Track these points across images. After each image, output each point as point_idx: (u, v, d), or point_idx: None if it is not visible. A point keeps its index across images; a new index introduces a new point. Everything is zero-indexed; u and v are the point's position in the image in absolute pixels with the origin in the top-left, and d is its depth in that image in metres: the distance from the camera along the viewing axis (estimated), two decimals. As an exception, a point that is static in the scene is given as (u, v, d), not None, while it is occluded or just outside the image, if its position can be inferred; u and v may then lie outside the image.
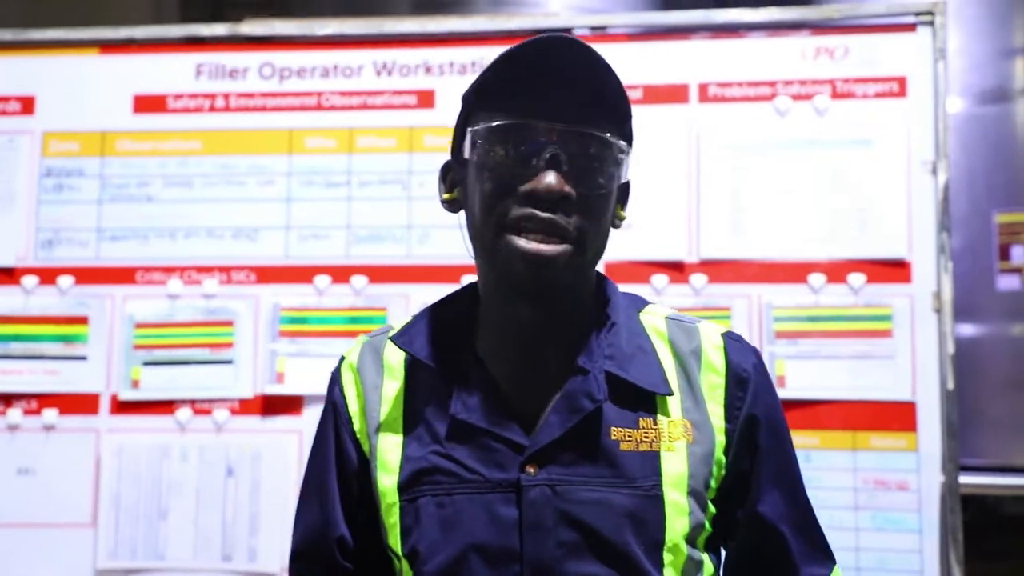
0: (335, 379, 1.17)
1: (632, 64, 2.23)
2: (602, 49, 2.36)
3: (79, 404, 2.23)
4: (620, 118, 1.06)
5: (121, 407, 2.22)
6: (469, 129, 1.06)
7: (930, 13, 2.19)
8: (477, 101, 1.07)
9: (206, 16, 4.14)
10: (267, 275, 2.26)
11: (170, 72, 2.34)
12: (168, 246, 2.27)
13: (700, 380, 1.10)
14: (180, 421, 2.21)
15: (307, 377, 2.20)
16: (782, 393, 2.11)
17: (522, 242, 1.00)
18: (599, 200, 1.04)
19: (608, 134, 1.04)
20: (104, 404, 2.23)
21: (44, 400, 2.23)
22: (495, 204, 1.02)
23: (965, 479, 2.24)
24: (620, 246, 2.20)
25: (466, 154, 1.06)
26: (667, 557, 1.03)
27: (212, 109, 2.32)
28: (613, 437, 1.04)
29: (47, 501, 2.20)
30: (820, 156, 2.19)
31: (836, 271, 2.16)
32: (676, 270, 2.20)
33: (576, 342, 1.08)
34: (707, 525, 1.08)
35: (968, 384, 2.47)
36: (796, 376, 2.13)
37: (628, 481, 1.03)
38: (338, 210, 2.27)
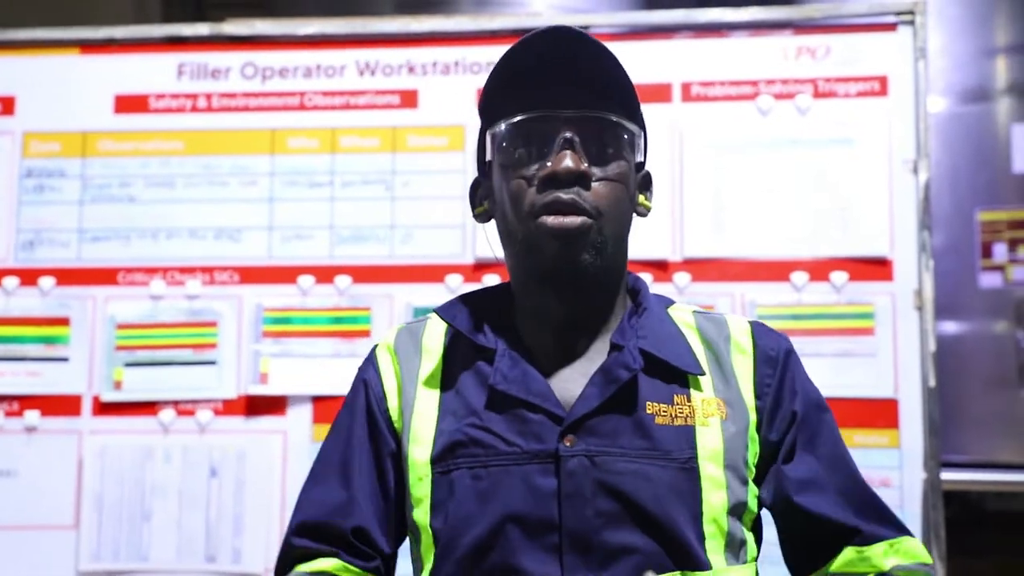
0: (370, 360, 1.18)
1: (615, 63, 2.24)
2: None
3: (61, 405, 2.21)
4: (629, 106, 1.10)
5: (103, 408, 2.21)
6: (488, 133, 1.11)
7: (911, 12, 2.20)
8: (490, 106, 1.11)
9: (188, 16, 4.12)
10: (250, 275, 2.25)
11: (152, 72, 2.33)
12: (150, 247, 2.26)
13: (731, 361, 1.13)
14: (163, 422, 2.20)
15: (291, 377, 2.20)
16: (765, 391, 2.12)
17: (549, 219, 1.03)
18: (615, 180, 1.08)
19: (618, 117, 1.08)
20: (86, 405, 2.22)
21: (25, 402, 2.21)
22: (522, 197, 1.06)
23: (947, 475, 2.25)
24: (604, 245, 2.21)
25: (488, 156, 1.11)
26: (708, 529, 1.04)
27: (194, 109, 2.31)
28: (648, 411, 1.06)
29: (29, 503, 2.19)
30: (802, 155, 2.20)
31: (818, 269, 2.17)
32: (660, 269, 2.20)
33: (608, 327, 1.12)
34: (750, 505, 1.09)
35: (950, 381, 2.48)
36: (779, 374, 2.13)
37: (664, 454, 1.05)
38: (321, 210, 2.26)
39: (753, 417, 1.11)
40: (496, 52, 1.08)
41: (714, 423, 1.08)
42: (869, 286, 2.16)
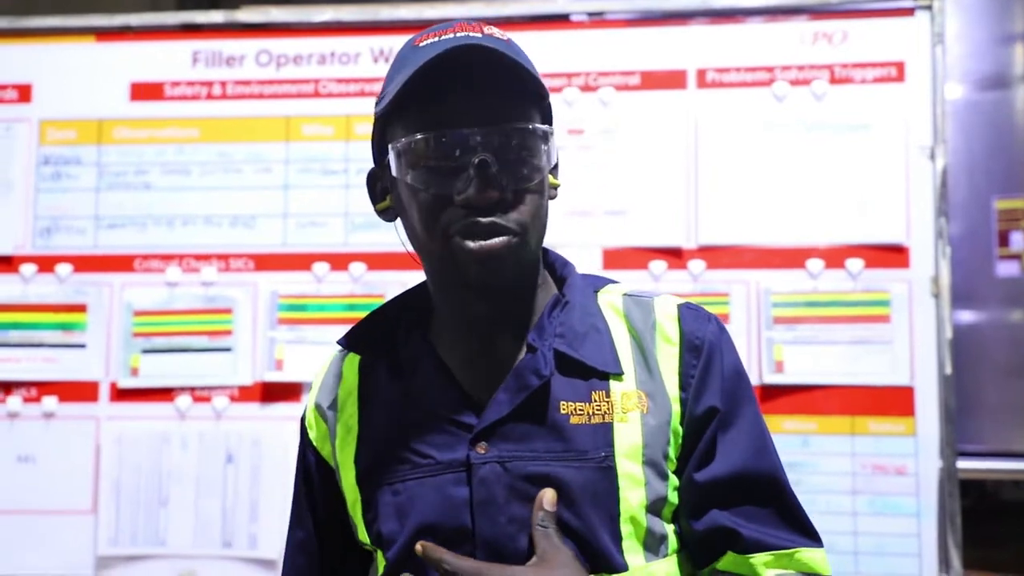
0: (302, 418, 1.22)
1: (630, 50, 2.23)
2: (600, 35, 2.33)
3: (78, 392, 2.23)
4: (536, 99, 1.05)
5: (120, 395, 2.22)
6: (390, 145, 1.04)
7: (928, -3, 2.18)
8: (391, 116, 1.04)
9: (203, 3, 4.13)
10: (265, 262, 2.26)
11: (167, 59, 2.33)
12: (166, 234, 2.27)
13: (656, 351, 1.08)
14: (180, 408, 2.21)
15: (306, 364, 2.20)
16: (780, 379, 2.12)
17: (471, 244, 0.99)
18: (534, 190, 1.04)
19: (528, 123, 1.03)
20: (103, 392, 2.23)
21: (44, 388, 2.23)
22: (436, 217, 1.01)
23: (964, 464, 2.24)
24: (618, 232, 2.21)
25: (394, 172, 1.04)
26: (625, 529, 1.02)
27: (209, 96, 2.32)
28: (562, 411, 1.03)
29: (48, 488, 2.21)
30: (818, 141, 2.19)
31: (834, 256, 2.16)
32: (674, 256, 2.20)
33: (528, 323, 1.09)
34: (670, 498, 1.05)
35: (967, 369, 2.47)
36: (794, 361, 2.13)
37: (579, 454, 1.02)
38: (336, 197, 2.27)
39: (677, 409, 1.06)
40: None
41: (633, 418, 1.04)
42: (885, 273, 2.15)
